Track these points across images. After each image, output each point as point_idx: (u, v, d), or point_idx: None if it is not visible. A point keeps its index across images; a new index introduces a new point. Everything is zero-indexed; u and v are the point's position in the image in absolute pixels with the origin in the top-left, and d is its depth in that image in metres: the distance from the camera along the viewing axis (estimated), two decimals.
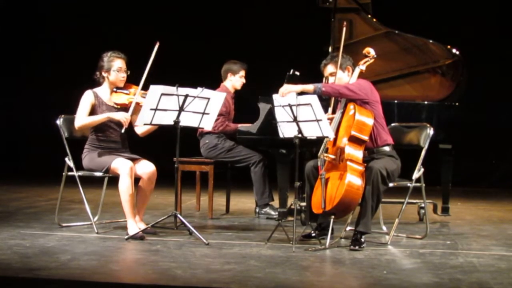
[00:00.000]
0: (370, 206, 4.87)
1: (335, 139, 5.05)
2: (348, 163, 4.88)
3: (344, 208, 4.89)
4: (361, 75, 5.26)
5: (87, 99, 5.36)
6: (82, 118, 5.32)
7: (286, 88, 5.03)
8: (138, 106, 5.29)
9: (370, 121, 5.01)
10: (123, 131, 5.33)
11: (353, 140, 4.97)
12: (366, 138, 4.99)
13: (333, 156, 4.99)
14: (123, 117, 5.28)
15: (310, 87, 5.02)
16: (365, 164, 4.94)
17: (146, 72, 5.33)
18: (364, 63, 5.29)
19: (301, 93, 4.98)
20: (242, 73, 6.60)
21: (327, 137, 4.99)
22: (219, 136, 6.44)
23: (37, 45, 10.30)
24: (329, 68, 5.27)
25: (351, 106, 5.06)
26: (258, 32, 9.64)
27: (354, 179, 4.83)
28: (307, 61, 7.68)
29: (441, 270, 4.23)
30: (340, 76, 5.22)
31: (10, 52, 10.27)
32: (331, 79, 5.27)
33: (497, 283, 3.94)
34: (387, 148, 5.13)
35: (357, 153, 4.95)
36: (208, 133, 6.43)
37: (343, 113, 5.10)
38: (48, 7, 10.19)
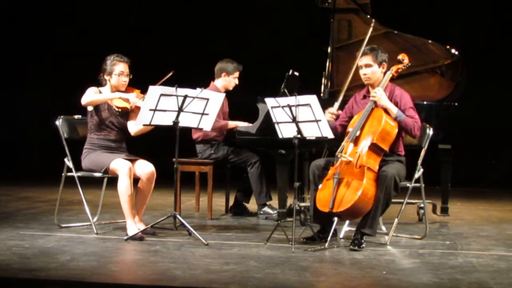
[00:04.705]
0: (380, 210, 4.87)
1: (356, 141, 4.96)
2: (366, 171, 4.83)
3: (353, 214, 4.86)
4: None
5: (92, 89, 5.37)
6: (90, 95, 5.30)
7: (382, 95, 4.99)
8: (136, 109, 5.32)
9: (394, 132, 4.97)
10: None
11: (374, 148, 4.92)
12: (386, 149, 4.96)
13: (351, 159, 4.90)
14: (132, 99, 5.30)
15: (395, 110, 4.99)
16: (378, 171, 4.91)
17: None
18: (397, 70, 5.19)
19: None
20: (237, 74, 6.49)
21: (324, 137, 4.97)
22: (212, 145, 6.40)
23: (37, 45, 10.28)
24: (366, 59, 5.12)
25: (380, 113, 4.97)
26: (257, 32, 9.63)
27: (369, 188, 4.79)
28: (306, 61, 7.70)
29: (441, 270, 4.23)
30: (375, 69, 5.11)
31: (10, 52, 10.26)
32: (363, 70, 5.13)
33: (496, 283, 3.94)
34: (396, 154, 5.11)
35: (375, 161, 4.91)
36: (202, 141, 6.41)
37: (368, 115, 5.02)
38: (48, 7, 10.18)
